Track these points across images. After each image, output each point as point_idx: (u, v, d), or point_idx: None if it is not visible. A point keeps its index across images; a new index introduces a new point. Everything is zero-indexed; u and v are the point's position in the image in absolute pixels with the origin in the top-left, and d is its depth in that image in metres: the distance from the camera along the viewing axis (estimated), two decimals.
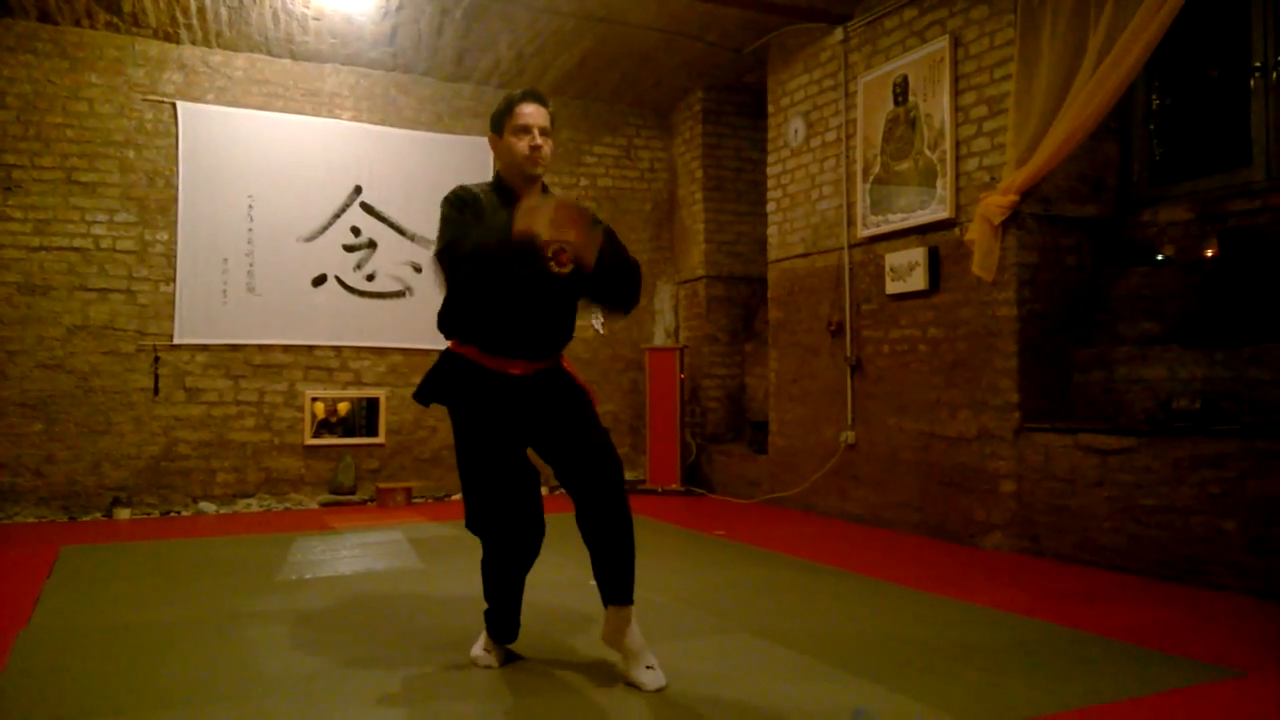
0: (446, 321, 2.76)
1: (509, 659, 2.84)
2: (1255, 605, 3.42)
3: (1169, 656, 2.80)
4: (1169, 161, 4.78)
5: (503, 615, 2.84)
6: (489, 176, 3.06)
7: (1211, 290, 4.19)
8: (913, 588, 3.78)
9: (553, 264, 2.53)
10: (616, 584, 2.65)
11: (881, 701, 2.41)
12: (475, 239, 2.52)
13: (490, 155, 7.10)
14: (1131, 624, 3.18)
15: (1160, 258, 4.55)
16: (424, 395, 2.77)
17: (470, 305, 2.68)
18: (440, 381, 2.75)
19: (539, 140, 2.70)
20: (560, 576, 3.84)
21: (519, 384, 2.70)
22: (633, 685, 2.58)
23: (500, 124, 2.75)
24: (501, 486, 2.74)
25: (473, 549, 4.38)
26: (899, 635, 3.07)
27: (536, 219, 2.39)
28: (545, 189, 2.82)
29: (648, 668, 2.61)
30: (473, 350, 2.69)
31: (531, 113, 2.71)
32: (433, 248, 2.74)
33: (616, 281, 2.71)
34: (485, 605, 2.87)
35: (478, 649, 2.85)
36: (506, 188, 2.74)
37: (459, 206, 2.66)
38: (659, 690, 2.54)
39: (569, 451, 2.68)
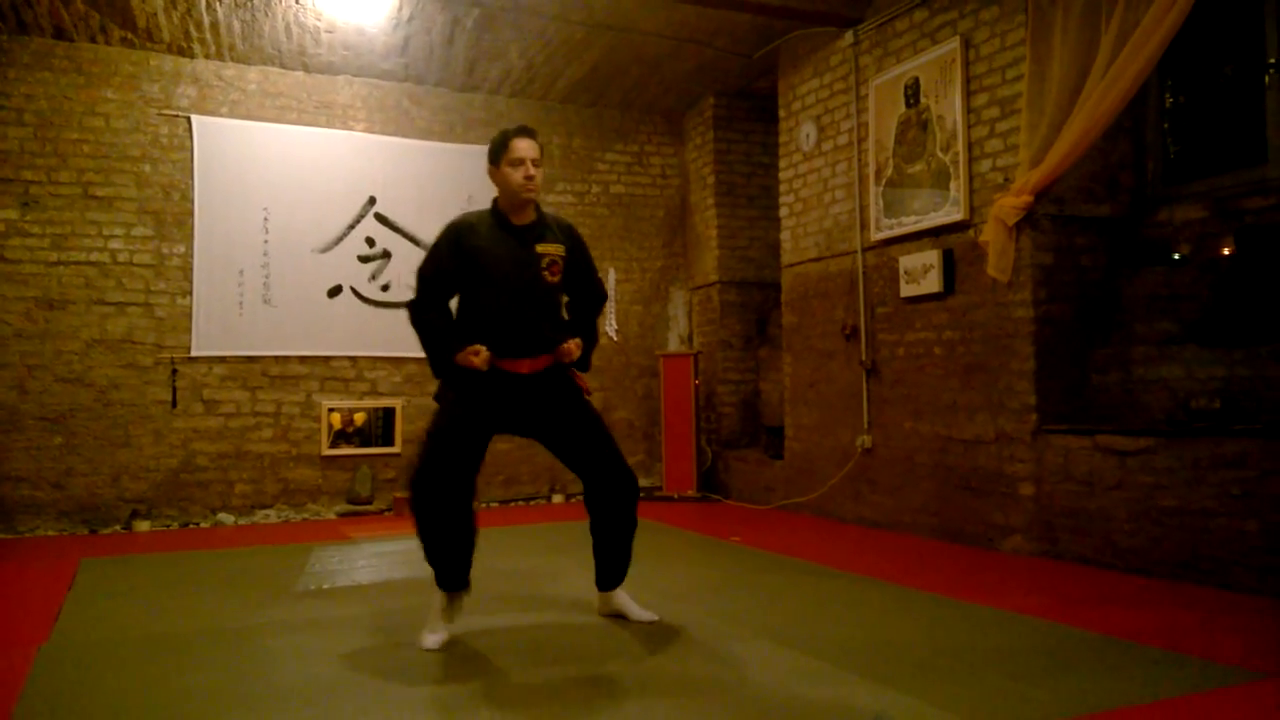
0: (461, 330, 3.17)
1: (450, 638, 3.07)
2: (1278, 607, 3.38)
3: (1190, 659, 2.77)
4: (1183, 160, 4.74)
5: (456, 561, 3.09)
6: None
7: (1229, 288, 4.16)
8: (931, 592, 3.76)
9: (546, 274, 3.11)
10: (615, 574, 3.32)
11: (901, 706, 2.39)
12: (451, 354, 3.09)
13: None
14: (1153, 627, 3.15)
15: (1176, 257, 4.52)
16: (444, 371, 3.13)
17: (475, 319, 3.13)
18: (460, 370, 3.09)
19: (532, 171, 3.08)
20: (579, 592, 3.83)
21: (526, 383, 3.11)
22: (635, 619, 3.24)
23: (498, 157, 3.13)
24: (465, 458, 3.05)
25: (488, 559, 4.39)
26: (917, 640, 3.05)
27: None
28: (539, 209, 3.22)
29: (642, 609, 3.29)
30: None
31: (525, 147, 3.09)
32: (419, 272, 3.26)
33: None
34: (434, 568, 3.11)
35: (429, 638, 3.03)
36: (503, 211, 3.17)
37: (452, 241, 3.14)
38: (653, 621, 3.23)
39: (594, 466, 3.17)
